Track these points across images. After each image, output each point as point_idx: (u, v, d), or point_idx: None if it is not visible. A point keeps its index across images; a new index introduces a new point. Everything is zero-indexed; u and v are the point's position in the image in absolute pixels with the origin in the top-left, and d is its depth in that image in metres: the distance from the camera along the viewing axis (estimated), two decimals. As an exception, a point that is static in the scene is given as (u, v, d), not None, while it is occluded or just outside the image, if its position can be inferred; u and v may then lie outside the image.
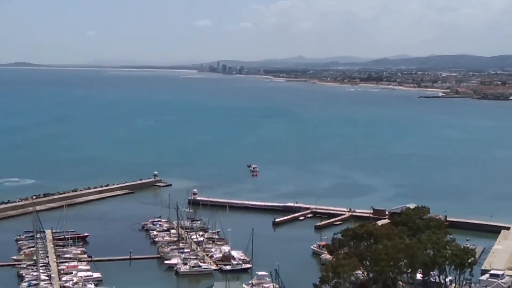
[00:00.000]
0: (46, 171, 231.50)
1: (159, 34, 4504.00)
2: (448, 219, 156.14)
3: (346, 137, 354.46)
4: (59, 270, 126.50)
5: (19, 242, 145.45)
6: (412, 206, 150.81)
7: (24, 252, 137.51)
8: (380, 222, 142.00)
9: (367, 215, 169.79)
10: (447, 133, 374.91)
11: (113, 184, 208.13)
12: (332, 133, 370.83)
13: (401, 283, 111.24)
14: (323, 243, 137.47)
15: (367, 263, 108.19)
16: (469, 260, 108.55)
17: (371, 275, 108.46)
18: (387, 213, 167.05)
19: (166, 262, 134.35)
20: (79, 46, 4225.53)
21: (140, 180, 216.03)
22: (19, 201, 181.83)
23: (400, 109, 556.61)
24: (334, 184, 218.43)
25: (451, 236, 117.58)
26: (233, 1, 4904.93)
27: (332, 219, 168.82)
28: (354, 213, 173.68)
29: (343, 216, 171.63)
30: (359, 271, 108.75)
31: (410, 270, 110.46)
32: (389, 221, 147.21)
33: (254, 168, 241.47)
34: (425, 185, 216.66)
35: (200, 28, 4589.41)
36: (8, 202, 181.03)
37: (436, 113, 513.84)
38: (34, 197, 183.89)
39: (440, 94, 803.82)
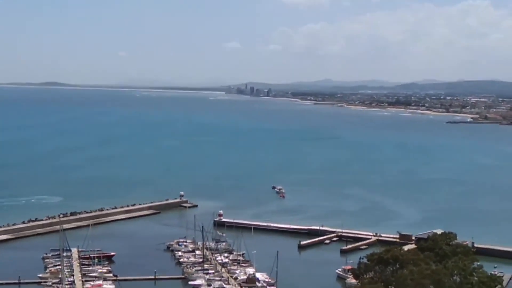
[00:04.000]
0: (74, 190, 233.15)
1: (188, 55, 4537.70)
2: (475, 245, 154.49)
3: (374, 160, 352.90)
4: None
5: (45, 260, 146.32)
6: (439, 231, 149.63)
7: (50, 270, 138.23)
8: (406, 247, 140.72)
9: (393, 240, 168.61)
10: (475, 159, 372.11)
11: (140, 204, 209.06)
12: (360, 157, 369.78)
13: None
14: (349, 267, 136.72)
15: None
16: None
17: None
18: (413, 238, 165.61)
19: (190, 283, 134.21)
20: (109, 66, 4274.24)
21: (167, 200, 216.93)
22: (46, 219, 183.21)
23: (428, 134, 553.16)
24: (360, 208, 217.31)
25: (478, 263, 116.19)
26: (262, 24, 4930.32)
27: (358, 243, 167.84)
28: (380, 238, 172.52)
29: (369, 241, 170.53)
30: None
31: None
32: (415, 246, 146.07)
33: (280, 189, 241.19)
34: (453, 210, 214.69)
35: (229, 50, 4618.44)
36: (36, 220, 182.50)
37: (464, 139, 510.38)
38: (61, 215, 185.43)
39: (469, 120, 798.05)
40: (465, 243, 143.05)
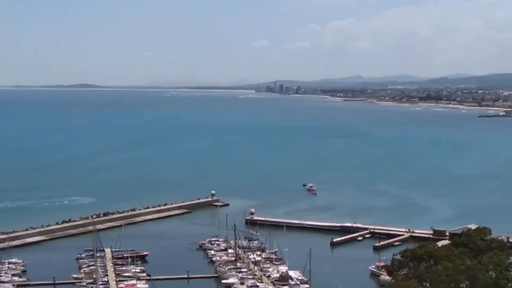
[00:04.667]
0: (106, 191, 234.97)
1: (217, 54, 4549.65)
2: (511, 240, 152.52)
3: (405, 156, 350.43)
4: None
5: (79, 261, 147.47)
6: (473, 226, 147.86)
7: (84, 270, 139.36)
8: (440, 243, 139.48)
9: (427, 235, 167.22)
10: (508, 153, 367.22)
11: (171, 204, 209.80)
12: (391, 153, 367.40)
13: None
14: (382, 264, 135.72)
15: (427, 284, 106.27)
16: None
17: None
18: (447, 234, 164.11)
19: (223, 281, 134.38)
20: (137, 67, 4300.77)
21: (198, 199, 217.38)
22: (79, 220, 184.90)
23: (461, 128, 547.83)
24: (393, 204, 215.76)
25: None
26: (290, 21, 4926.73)
27: (391, 240, 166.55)
28: (413, 234, 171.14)
29: (402, 237, 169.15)
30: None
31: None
32: (449, 242, 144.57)
33: (311, 187, 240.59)
34: (487, 205, 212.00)
35: (258, 48, 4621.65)
36: (70, 220, 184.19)
37: (497, 133, 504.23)
38: (95, 216, 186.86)
39: (502, 113, 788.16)
40: (500, 238, 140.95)
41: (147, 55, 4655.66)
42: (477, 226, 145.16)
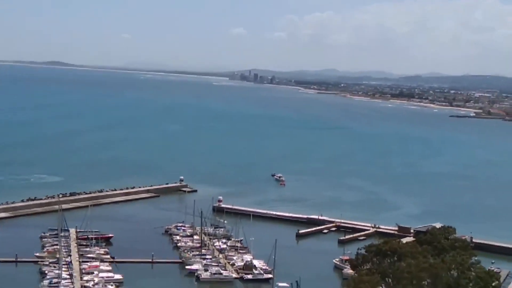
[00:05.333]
0: (74, 171, 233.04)
1: (193, 40, 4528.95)
2: (474, 240, 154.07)
3: (376, 152, 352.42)
4: (80, 270, 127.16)
5: (43, 240, 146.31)
6: (438, 225, 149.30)
7: (47, 249, 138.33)
8: (404, 240, 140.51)
9: (392, 232, 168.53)
10: (477, 154, 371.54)
11: (139, 187, 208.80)
12: (362, 148, 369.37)
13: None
14: (346, 257, 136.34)
15: (390, 280, 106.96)
16: (494, 284, 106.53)
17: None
18: (412, 231, 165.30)
19: (187, 267, 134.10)
20: (113, 48, 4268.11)
21: (166, 184, 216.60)
22: (45, 199, 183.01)
23: (431, 127, 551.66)
24: (360, 199, 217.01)
25: (476, 258, 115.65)
26: (268, 11, 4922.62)
27: (356, 234, 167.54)
28: (378, 229, 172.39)
29: (367, 232, 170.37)
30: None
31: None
32: (414, 239, 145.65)
33: (279, 177, 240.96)
34: (453, 204, 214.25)
35: (234, 36, 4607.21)
36: (35, 199, 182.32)
37: (468, 133, 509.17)
38: (61, 195, 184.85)
39: (472, 114, 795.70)
40: (463, 238, 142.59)
41: (124, 37, 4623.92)
42: (442, 224, 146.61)
